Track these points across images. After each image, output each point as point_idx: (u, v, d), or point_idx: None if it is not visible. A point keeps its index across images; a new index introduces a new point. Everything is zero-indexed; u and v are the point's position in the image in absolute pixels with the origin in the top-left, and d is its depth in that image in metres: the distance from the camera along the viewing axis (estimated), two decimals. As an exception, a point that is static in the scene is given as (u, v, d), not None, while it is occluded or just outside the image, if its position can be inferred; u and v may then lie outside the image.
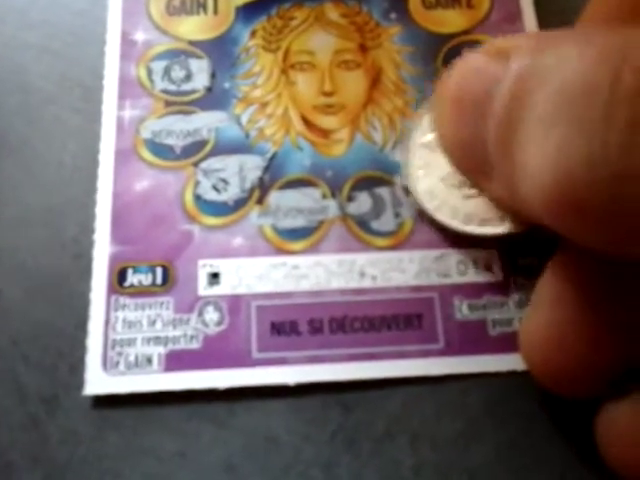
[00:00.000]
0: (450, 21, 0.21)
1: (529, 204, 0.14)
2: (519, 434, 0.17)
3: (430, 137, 0.18)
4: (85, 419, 0.17)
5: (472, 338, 0.18)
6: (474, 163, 0.16)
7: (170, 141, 0.19)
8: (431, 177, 0.18)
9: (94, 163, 0.19)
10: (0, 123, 0.20)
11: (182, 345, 0.17)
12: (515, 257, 0.18)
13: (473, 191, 0.18)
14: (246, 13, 0.21)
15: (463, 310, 0.18)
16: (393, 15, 0.21)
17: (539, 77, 0.13)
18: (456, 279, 0.18)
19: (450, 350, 0.18)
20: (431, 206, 0.18)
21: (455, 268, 0.18)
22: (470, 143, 0.16)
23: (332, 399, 0.17)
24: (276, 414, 0.17)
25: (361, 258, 0.18)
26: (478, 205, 0.18)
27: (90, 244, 0.18)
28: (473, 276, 0.18)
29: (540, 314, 0.16)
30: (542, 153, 0.13)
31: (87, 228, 0.19)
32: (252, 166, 0.19)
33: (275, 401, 0.17)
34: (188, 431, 0.17)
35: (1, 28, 0.21)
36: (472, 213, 0.18)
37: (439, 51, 0.21)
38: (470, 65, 0.15)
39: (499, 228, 0.18)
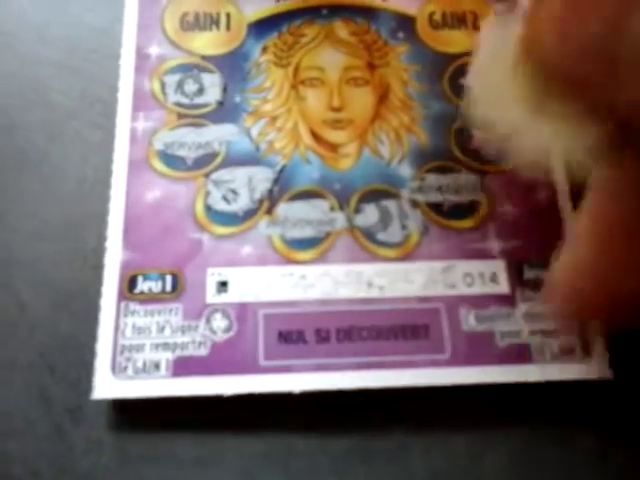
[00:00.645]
0: (456, 41, 0.22)
1: None
2: (531, 443, 0.17)
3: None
4: (108, 428, 0.17)
5: (479, 349, 0.18)
6: (595, 71, 0.13)
7: (182, 153, 0.20)
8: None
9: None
10: (20, 138, 0.21)
11: (190, 351, 0.17)
12: (521, 270, 0.19)
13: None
14: (258, 29, 0.21)
15: (470, 321, 0.18)
16: (401, 34, 0.22)
17: None
18: (463, 290, 0.18)
19: (457, 360, 0.18)
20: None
21: (462, 279, 0.19)
22: (595, 44, 0.13)
23: (348, 411, 0.17)
24: (294, 425, 0.17)
25: (368, 269, 0.19)
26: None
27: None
28: (479, 287, 0.18)
29: (583, 249, 0.15)
30: None
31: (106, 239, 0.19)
32: (262, 178, 0.20)
33: (293, 412, 0.17)
34: (208, 439, 0.17)
35: (19, 44, 0.22)
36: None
37: (445, 70, 0.21)
38: None
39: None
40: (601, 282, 0.15)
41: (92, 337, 0.18)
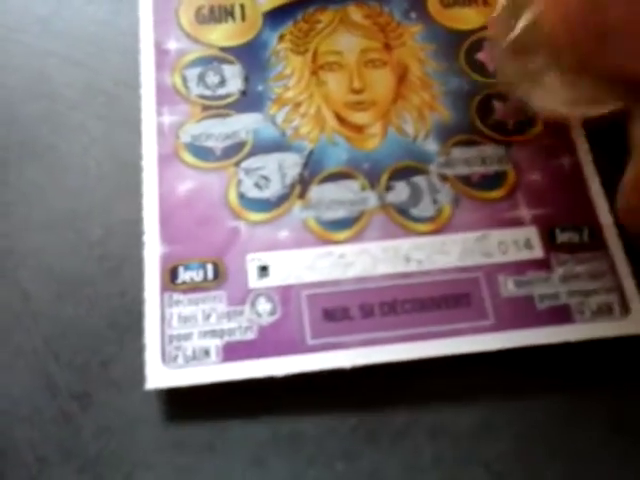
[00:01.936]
0: (468, 18, 0.22)
1: None
2: (534, 427, 0.17)
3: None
4: (116, 414, 0.17)
5: (521, 313, 0.18)
6: (594, 33, 0.16)
7: (210, 143, 0.20)
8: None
9: (118, 168, 0.20)
10: (25, 130, 0.21)
11: (238, 336, 0.18)
12: (554, 234, 0.19)
13: None
14: (273, 18, 0.22)
15: (509, 287, 0.18)
16: (413, 14, 0.22)
17: None
18: (499, 258, 0.19)
19: (501, 325, 0.18)
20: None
21: (496, 248, 0.19)
22: (592, 10, 0.15)
23: (353, 395, 0.18)
24: (301, 409, 0.18)
25: (405, 243, 0.19)
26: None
27: (116, 246, 0.19)
28: (515, 254, 0.19)
29: None
30: None
31: (111, 231, 0.19)
32: (291, 163, 0.20)
33: (300, 397, 0.18)
34: (217, 425, 0.17)
35: (24, 37, 0.22)
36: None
37: (460, 47, 0.22)
38: None
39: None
40: None
41: (98, 324, 0.18)
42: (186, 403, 0.17)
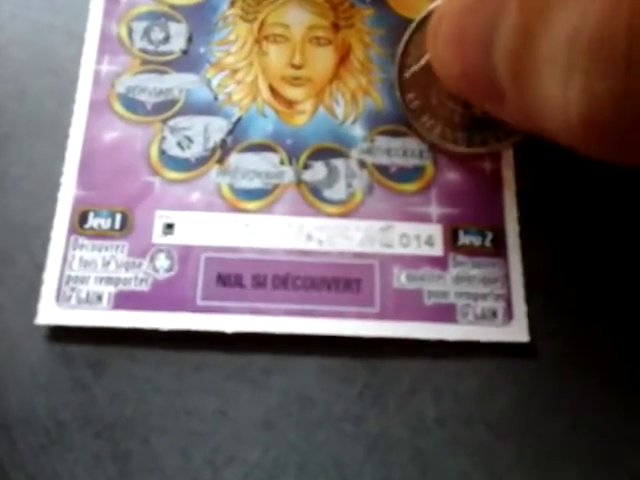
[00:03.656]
0: (422, 7, 0.22)
1: (548, 127, 0.15)
2: (532, 388, 0.18)
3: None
4: (130, 382, 0.18)
5: (407, 305, 0.19)
6: (482, 92, 0.16)
7: (142, 97, 0.20)
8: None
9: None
10: (32, 104, 0.21)
11: (132, 287, 0.18)
12: (456, 235, 0.19)
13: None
14: (227, -17, 0.22)
15: (401, 279, 0.19)
16: (368, -2, 0.22)
17: (543, 19, 0.14)
18: (398, 250, 0.19)
19: (385, 315, 0.19)
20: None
21: (398, 240, 0.19)
22: (476, 75, 0.16)
23: (359, 359, 0.19)
24: (308, 374, 0.18)
25: (310, 222, 0.19)
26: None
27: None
28: (414, 249, 0.19)
29: None
30: (563, 95, 0.13)
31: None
32: (217, 127, 0.20)
33: (307, 362, 0.18)
34: (227, 391, 0.18)
35: (29, 13, 0.22)
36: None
37: (408, 36, 0.22)
38: (463, 3, 0.16)
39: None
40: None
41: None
42: (201, 367, 0.18)
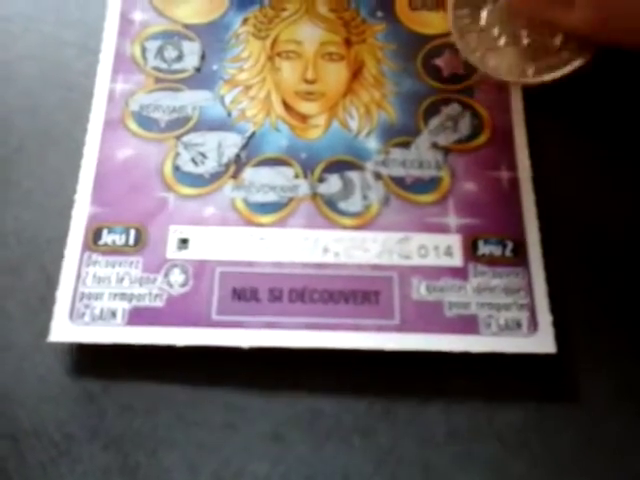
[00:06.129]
0: (433, 23, 0.22)
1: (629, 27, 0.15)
2: (544, 401, 0.18)
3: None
4: (138, 395, 0.18)
5: (427, 317, 0.18)
6: None
7: (156, 115, 0.20)
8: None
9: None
10: (44, 118, 0.21)
11: (146, 302, 0.18)
12: (476, 245, 0.19)
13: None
14: (240, 1, 0.22)
15: (421, 290, 0.18)
16: (379, 13, 0.22)
17: None
18: (416, 261, 0.19)
19: (405, 327, 0.18)
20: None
21: (416, 251, 0.19)
22: None
23: (368, 372, 0.18)
24: (318, 387, 0.18)
25: (326, 235, 0.19)
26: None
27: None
28: (433, 260, 0.19)
29: None
30: None
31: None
32: (231, 143, 0.20)
33: (317, 374, 0.18)
34: (236, 404, 0.18)
35: (42, 27, 0.22)
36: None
37: (419, 50, 0.22)
38: None
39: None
40: None
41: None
42: (211, 379, 0.18)
